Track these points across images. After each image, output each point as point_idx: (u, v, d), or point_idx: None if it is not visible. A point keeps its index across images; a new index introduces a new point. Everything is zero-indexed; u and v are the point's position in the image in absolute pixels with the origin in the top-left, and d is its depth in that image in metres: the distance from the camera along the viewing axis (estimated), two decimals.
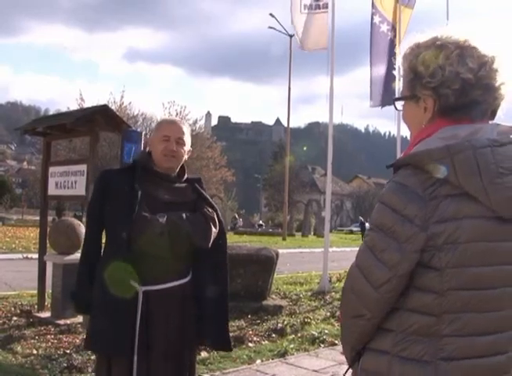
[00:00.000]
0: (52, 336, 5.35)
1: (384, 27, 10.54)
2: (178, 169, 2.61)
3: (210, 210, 2.58)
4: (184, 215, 2.47)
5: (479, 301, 1.26)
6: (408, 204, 1.24)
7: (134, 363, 2.37)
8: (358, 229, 44.23)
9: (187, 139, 2.61)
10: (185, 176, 2.63)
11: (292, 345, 5.45)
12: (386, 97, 10.56)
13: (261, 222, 54.54)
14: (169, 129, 2.56)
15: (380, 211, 1.30)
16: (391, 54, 10.48)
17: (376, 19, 10.51)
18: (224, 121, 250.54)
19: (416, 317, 1.27)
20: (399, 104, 1.47)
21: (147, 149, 2.63)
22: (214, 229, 2.54)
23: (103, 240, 2.61)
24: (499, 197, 1.22)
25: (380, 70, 10.55)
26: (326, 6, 9.80)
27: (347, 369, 1.48)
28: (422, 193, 1.24)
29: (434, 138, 1.30)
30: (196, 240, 2.49)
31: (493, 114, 1.37)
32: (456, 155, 1.23)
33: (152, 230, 2.37)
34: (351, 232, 50.04)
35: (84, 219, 10.14)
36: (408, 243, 1.24)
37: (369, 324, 1.33)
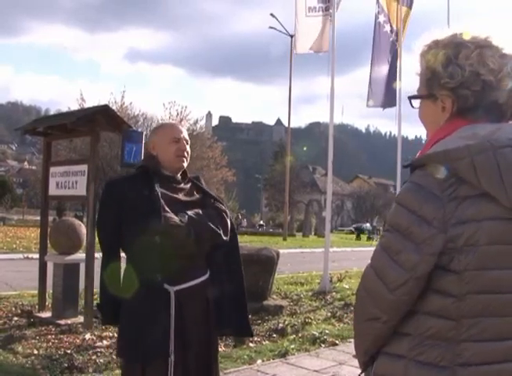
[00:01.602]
0: (53, 336, 5.35)
1: (388, 28, 10.53)
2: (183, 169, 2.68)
3: (219, 204, 2.66)
4: (201, 213, 2.53)
5: (499, 306, 1.23)
6: (423, 204, 1.22)
7: (170, 365, 2.38)
8: (354, 230, 44.45)
9: (188, 139, 2.71)
10: (187, 177, 2.69)
11: (293, 345, 5.44)
12: (388, 98, 10.54)
13: (261, 222, 54.60)
14: (176, 131, 2.65)
15: (396, 211, 1.27)
16: (393, 55, 10.47)
17: (381, 18, 10.49)
18: (225, 121, 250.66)
19: (434, 321, 1.24)
20: (415, 102, 1.43)
21: (153, 153, 2.64)
22: (228, 221, 2.62)
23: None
24: None
25: (382, 70, 10.53)
26: (329, 8, 9.81)
27: (360, 374, 1.45)
28: (440, 193, 1.21)
29: (454, 137, 1.27)
30: (218, 235, 2.53)
31: None
32: (477, 155, 1.20)
33: (180, 232, 2.41)
34: (352, 232, 50.11)
35: (84, 219, 10.14)
36: (425, 244, 1.21)
37: (384, 327, 1.30)
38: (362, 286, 1.35)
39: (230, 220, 2.69)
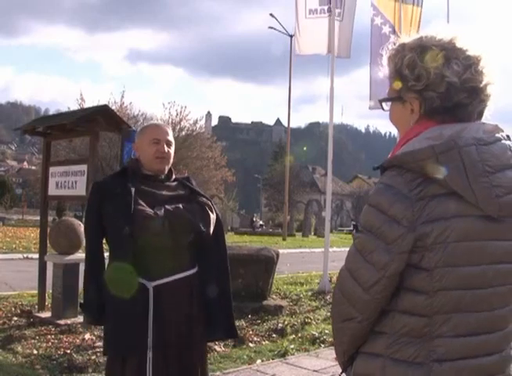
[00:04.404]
0: (53, 336, 5.35)
1: (386, 29, 10.52)
2: (167, 171, 2.66)
3: (204, 199, 2.63)
4: (181, 206, 2.51)
5: (470, 301, 1.26)
6: (393, 204, 1.24)
7: (148, 360, 2.38)
8: (352, 230, 44.50)
9: (173, 140, 2.67)
10: (174, 177, 2.68)
11: (292, 345, 5.44)
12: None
13: (261, 222, 54.59)
14: (157, 132, 2.61)
15: (367, 212, 1.30)
16: None
17: (378, 20, 10.49)
18: (224, 121, 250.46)
19: (408, 319, 1.27)
20: (386, 105, 1.46)
21: (136, 155, 2.67)
22: (211, 214, 2.58)
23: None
24: (486, 196, 1.22)
25: (382, 71, 10.51)
26: (330, 10, 9.84)
27: (340, 374, 1.46)
28: (408, 193, 1.24)
29: (420, 138, 1.30)
30: (197, 227, 2.51)
31: (480, 115, 1.36)
32: (442, 155, 1.23)
33: (152, 223, 2.40)
34: (351, 231, 50.05)
35: (84, 219, 10.12)
36: (395, 244, 1.24)
37: (360, 327, 1.32)
38: (338, 287, 1.38)
39: (217, 216, 2.66)
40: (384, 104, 1.46)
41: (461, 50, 1.31)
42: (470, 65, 1.30)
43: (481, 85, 1.32)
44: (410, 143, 1.31)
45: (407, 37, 1.39)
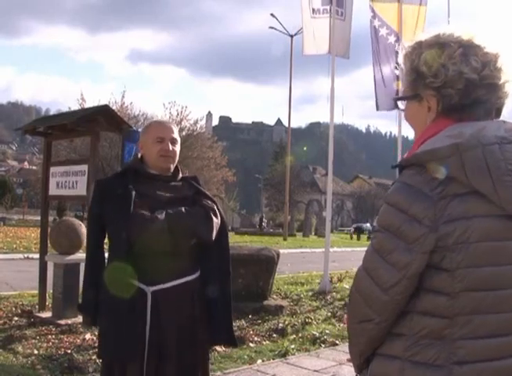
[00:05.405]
0: (53, 336, 5.35)
1: (384, 31, 10.53)
2: (172, 169, 2.60)
3: (209, 202, 2.57)
4: (183, 209, 2.45)
5: (491, 302, 1.23)
6: (413, 203, 1.22)
7: (144, 367, 2.35)
8: (353, 231, 44.50)
9: (178, 138, 2.62)
10: (180, 175, 2.62)
11: (293, 345, 5.44)
12: (386, 100, 10.52)
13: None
14: (161, 130, 2.56)
15: (386, 212, 1.28)
16: (393, 57, 10.46)
17: (376, 23, 10.52)
18: (225, 121, 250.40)
19: (428, 320, 1.24)
20: (401, 103, 1.46)
21: (139, 154, 2.62)
22: (215, 219, 2.52)
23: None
24: (508, 195, 1.20)
25: (384, 72, 10.53)
26: (331, 10, 9.85)
27: None
28: (430, 192, 1.22)
29: (441, 136, 1.27)
30: (199, 232, 2.46)
31: (498, 113, 1.35)
32: (465, 153, 1.21)
33: (151, 228, 2.35)
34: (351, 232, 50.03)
35: (85, 219, 10.17)
36: (417, 243, 1.22)
37: (378, 328, 1.30)
38: (355, 288, 1.35)
39: (223, 220, 2.62)
40: (399, 103, 1.46)
41: (479, 47, 1.30)
42: (489, 62, 1.29)
43: (500, 82, 1.31)
44: (430, 142, 1.29)
45: (423, 35, 1.38)
